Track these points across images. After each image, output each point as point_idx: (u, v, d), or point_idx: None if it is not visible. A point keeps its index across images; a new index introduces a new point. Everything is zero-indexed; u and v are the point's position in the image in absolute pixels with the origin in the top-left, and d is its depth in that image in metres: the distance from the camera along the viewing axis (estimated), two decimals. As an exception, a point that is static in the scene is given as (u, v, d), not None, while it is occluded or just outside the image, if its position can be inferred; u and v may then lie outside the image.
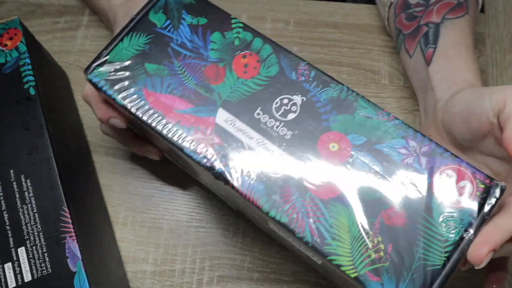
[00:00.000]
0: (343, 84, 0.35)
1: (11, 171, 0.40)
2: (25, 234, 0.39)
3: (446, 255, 0.31)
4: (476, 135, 0.37)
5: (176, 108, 0.36)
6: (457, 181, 0.32)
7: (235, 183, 0.33)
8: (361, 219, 0.32)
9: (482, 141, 0.37)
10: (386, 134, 0.33)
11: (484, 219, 0.31)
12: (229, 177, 0.34)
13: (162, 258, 0.49)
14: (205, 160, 0.34)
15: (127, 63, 0.37)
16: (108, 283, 0.42)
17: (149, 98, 0.36)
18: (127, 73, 0.37)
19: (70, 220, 0.39)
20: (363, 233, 0.32)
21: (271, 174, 0.33)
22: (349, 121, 0.34)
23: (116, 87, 0.37)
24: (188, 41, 0.38)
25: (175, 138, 0.35)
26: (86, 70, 0.37)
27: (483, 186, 0.32)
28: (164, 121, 0.36)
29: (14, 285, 0.38)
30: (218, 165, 0.34)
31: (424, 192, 0.32)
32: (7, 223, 0.39)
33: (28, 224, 0.39)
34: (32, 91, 0.43)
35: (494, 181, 0.32)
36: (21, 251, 0.38)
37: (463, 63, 0.42)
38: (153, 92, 0.36)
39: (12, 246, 0.39)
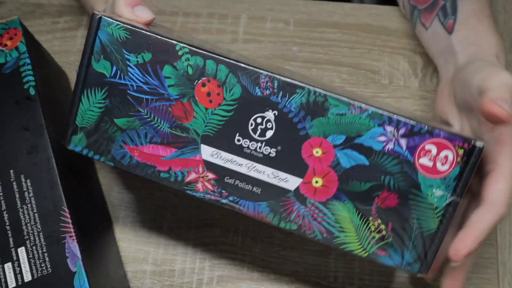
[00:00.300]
0: (308, 87, 0.35)
1: (11, 171, 0.41)
2: (25, 234, 0.39)
3: (438, 219, 0.35)
4: (467, 107, 0.39)
5: (162, 156, 0.37)
6: (438, 153, 0.34)
7: (241, 209, 0.37)
8: (359, 209, 0.36)
9: (472, 113, 0.40)
10: (363, 126, 0.35)
11: (467, 181, 0.34)
12: (234, 206, 0.37)
13: (162, 258, 0.49)
14: (208, 197, 0.37)
15: (97, 124, 0.37)
16: (108, 283, 0.42)
17: (134, 153, 0.37)
18: (103, 135, 0.37)
19: (70, 220, 0.39)
20: (364, 220, 0.36)
21: (269, 192, 0.36)
22: (324, 123, 0.35)
23: (99, 150, 0.37)
24: (143, 84, 0.36)
25: (173, 184, 0.37)
26: (64, 141, 0.37)
27: (462, 150, 0.34)
28: (157, 171, 0.37)
29: (14, 285, 0.38)
30: (220, 198, 0.37)
31: (410, 171, 0.35)
32: (7, 223, 0.39)
33: (28, 224, 0.39)
34: (32, 91, 0.43)
35: (472, 142, 0.34)
36: (21, 251, 0.39)
37: (485, 29, 0.44)
38: (135, 147, 0.37)
39: (12, 246, 0.39)
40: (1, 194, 0.40)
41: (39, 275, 0.38)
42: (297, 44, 0.57)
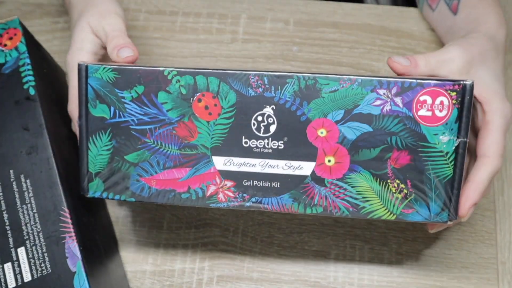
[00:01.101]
0: (296, 74, 0.36)
1: (11, 171, 0.40)
2: (25, 234, 0.39)
3: (452, 164, 0.36)
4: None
5: (178, 178, 0.38)
6: (433, 101, 0.36)
7: (266, 207, 0.38)
8: (376, 175, 0.37)
9: None
10: (357, 96, 0.36)
11: (468, 118, 0.36)
12: (258, 206, 0.38)
13: (162, 258, 0.49)
14: (232, 204, 0.38)
15: (110, 166, 0.38)
16: (108, 283, 0.42)
17: (151, 183, 0.38)
18: (118, 174, 0.38)
19: (70, 220, 0.39)
20: (383, 185, 0.37)
21: (287, 183, 0.37)
22: (321, 104, 0.36)
23: (118, 190, 0.38)
24: (143, 116, 0.38)
25: (195, 202, 0.38)
26: (83, 191, 0.39)
27: (455, 93, 0.36)
28: (177, 194, 0.38)
29: (14, 285, 0.38)
30: (244, 202, 0.38)
31: (413, 126, 0.36)
32: (7, 223, 0.39)
33: (28, 224, 0.39)
34: (31, 91, 0.43)
35: (461, 82, 0.35)
36: (21, 251, 0.38)
37: (485, 9, 0.47)
38: (151, 177, 0.38)
39: (11, 246, 0.39)
40: (1, 194, 0.40)
41: (39, 275, 0.38)
42: (297, 44, 0.56)
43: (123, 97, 0.37)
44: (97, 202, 0.49)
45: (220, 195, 0.38)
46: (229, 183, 0.38)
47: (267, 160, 0.37)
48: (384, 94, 0.36)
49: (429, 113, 0.36)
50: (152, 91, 0.37)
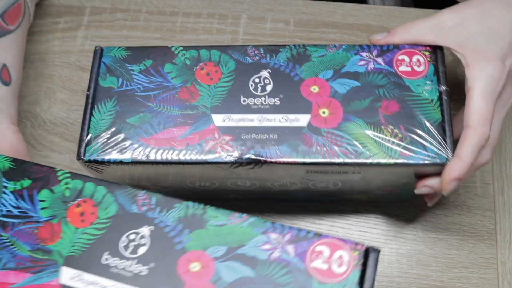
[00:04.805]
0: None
1: None
2: None
3: (439, 109, 0.39)
4: None
5: (177, 136, 0.39)
6: (411, 59, 0.40)
7: (266, 159, 0.38)
8: (369, 122, 0.38)
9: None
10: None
11: (444, 70, 0.39)
12: (258, 159, 0.38)
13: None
14: (230, 157, 0.38)
15: (111, 129, 0.39)
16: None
17: (150, 143, 0.38)
18: (119, 136, 0.39)
19: None
20: (378, 130, 0.38)
21: (285, 135, 0.38)
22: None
23: (116, 152, 0.38)
24: (148, 83, 0.40)
25: (195, 157, 0.38)
26: (79, 156, 0.38)
27: (428, 52, 0.40)
28: (176, 151, 0.38)
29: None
30: (243, 155, 0.38)
31: (396, 79, 0.40)
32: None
33: None
34: None
35: (432, 46, 0.40)
36: None
37: None
38: (150, 137, 0.39)
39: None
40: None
41: None
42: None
43: (132, 70, 0.41)
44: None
45: (219, 149, 0.38)
46: (227, 138, 0.38)
47: (264, 115, 0.39)
48: (366, 55, 0.40)
49: (409, 69, 0.40)
50: (160, 64, 0.41)
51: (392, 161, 0.37)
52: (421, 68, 0.40)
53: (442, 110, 0.38)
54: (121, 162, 0.38)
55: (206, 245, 0.32)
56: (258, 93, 0.39)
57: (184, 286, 0.31)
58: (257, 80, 0.40)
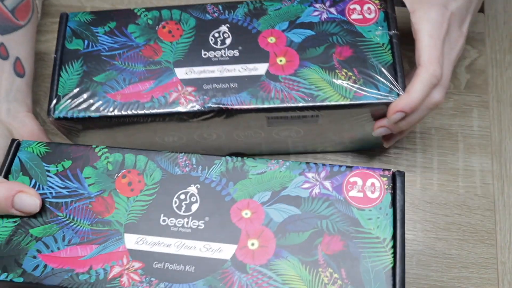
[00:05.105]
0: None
1: None
2: None
3: (389, 52, 0.40)
4: None
5: (142, 90, 0.40)
6: (362, 7, 0.42)
7: (227, 106, 0.39)
8: (324, 67, 0.40)
9: None
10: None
11: (393, 15, 0.41)
12: (220, 106, 0.38)
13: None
14: (189, 108, 0.39)
15: (79, 86, 0.40)
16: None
17: (116, 98, 0.40)
18: (86, 93, 0.40)
19: None
20: (332, 74, 0.40)
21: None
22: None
23: (83, 107, 0.40)
24: (113, 44, 0.42)
25: (161, 109, 0.39)
26: (49, 113, 0.40)
27: (378, 0, 0.42)
28: (141, 104, 0.40)
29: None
30: (202, 104, 0.39)
31: (347, 27, 0.41)
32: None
33: None
34: None
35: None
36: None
37: None
38: (116, 92, 0.40)
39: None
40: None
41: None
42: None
43: (97, 32, 0.43)
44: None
45: (182, 100, 0.39)
46: (190, 89, 0.40)
47: (224, 66, 0.40)
48: (320, 7, 0.42)
49: (360, 16, 0.42)
50: (123, 25, 0.42)
51: (346, 101, 0.39)
52: (372, 15, 0.42)
53: (393, 53, 0.40)
54: (89, 118, 0.40)
55: (252, 193, 0.35)
56: (218, 47, 0.41)
57: (241, 232, 0.34)
58: (216, 35, 0.42)
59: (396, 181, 0.34)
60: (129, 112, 0.39)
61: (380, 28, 0.41)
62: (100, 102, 0.40)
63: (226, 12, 0.43)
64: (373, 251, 0.33)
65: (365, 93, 0.39)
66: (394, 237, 0.33)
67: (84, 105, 0.40)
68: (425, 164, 0.51)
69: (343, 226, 0.33)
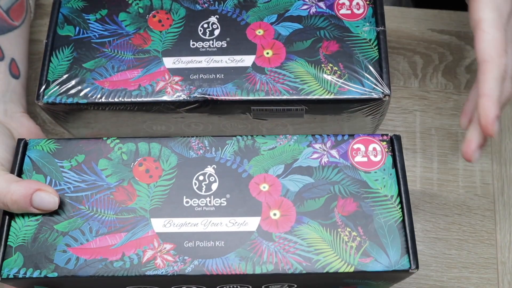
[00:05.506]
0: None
1: None
2: None
3: (376, 48, 0.41)
4: None
5: (130, 78, 0.41)
6: (350, 3, 0.42)
7: (213, 96, 0.39)
8: (310, 61, 0.40)
9: None
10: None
11: (382, 11, 0.41)
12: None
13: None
14: (175, 97, 0.39)
15: (68, 72, 0.41)
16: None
17: (104, 85, 0.40)
18: (75, 79, 0.41)
19: None
20: (318, 68, 0.40)
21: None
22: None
23: (71, 93, 0.40)
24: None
25: (148, 98, 0.40)
26: (38, 98, 0.40)
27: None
28: (128, 92, 0.40)
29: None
30: (187, 93, 0.40)
31: (336, 21, 0.41)
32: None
33: None
34: None
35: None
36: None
37: None
38: (104, 79, 0.41)
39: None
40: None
41: None
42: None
43: (88, 19, 0.43)
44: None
45: (169, 89, 0.40)
46: (177, 78, 0.40)
47: (212, 57, 0.41)
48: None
49: (349, 11, 0.42)
50: (114, 13, 0.43)
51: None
52: (361, 11, 0.42)
53: (379, 49, 0.40)
54: (77, 104, 0.40)
55: (267, 168, 0.37)
56: (206, 37, 0.42)
57: (262, 204, 0.36)
58: (205, 25, 0.42)
59: (394, 144, 0.37)
60: (116, 100, 0.40)
61: (367, 24, 0.41)
62: (89, 89, 0.40)
63: (216, 3, 0.43)
64: (383, 208, 0.36)
65: (350, 88, 0.39)
66: (399, 193, 0.36)
67: (72, 91, 0.40)
68: (425, 164, 0.51)
69: (354, 188, 0.36)
